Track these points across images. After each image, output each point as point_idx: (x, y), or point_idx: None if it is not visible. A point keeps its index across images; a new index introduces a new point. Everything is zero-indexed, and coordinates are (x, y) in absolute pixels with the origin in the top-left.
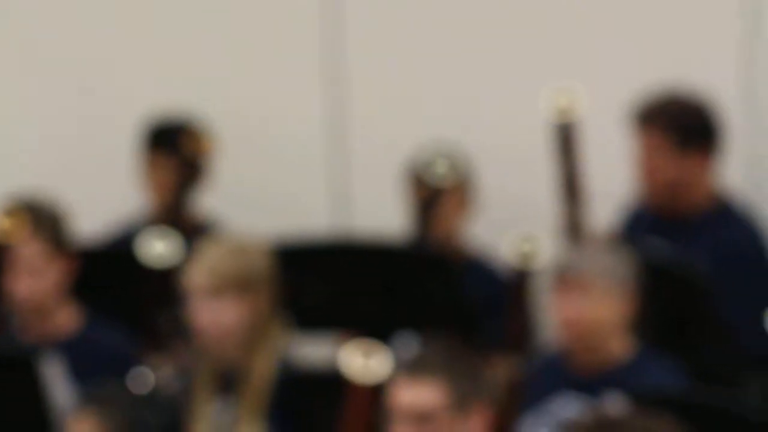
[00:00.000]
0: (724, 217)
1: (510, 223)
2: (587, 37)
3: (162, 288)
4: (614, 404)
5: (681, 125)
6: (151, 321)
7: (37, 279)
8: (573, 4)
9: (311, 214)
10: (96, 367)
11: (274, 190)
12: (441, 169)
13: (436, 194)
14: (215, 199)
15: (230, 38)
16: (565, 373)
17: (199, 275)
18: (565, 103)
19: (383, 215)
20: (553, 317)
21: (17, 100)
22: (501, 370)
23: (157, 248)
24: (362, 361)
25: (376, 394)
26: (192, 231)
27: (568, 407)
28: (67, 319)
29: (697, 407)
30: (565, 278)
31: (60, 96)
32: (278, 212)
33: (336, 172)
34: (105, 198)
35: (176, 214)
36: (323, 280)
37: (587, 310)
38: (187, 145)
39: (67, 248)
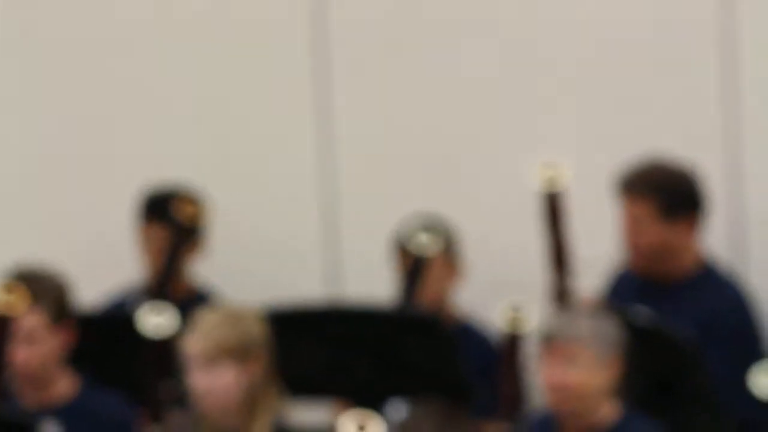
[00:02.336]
0: (709, 283)
1: (500, 290)
2: (572, 109)
3: (158, 358)
4: None
5: (666, 193)
6: (147, 390)
7: (36, 348)
8: (558, 77)
9: (303, 290)
10: None
11: (266, 267)
12: (424, 238)
13: (420, 263)
14: (208, 270)
15: (227, 118)
16: None
17: (195, 344)
18: (551, 175)
19: (374, 291)
20: (540, 382)
21: (15, 173)
22: None
23: (153, 318)
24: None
25: None
26: (187, 300)
27: None
28: (64, 386)
29: None
30: (552, 344)
31: (57, 169)
32: (269, 288)
33: (327, 248)
34: (103, 269)
35: (171, 283)
36: (315, 346)
37: (573, 375)
38: (180, 215)
39: (67, 319)
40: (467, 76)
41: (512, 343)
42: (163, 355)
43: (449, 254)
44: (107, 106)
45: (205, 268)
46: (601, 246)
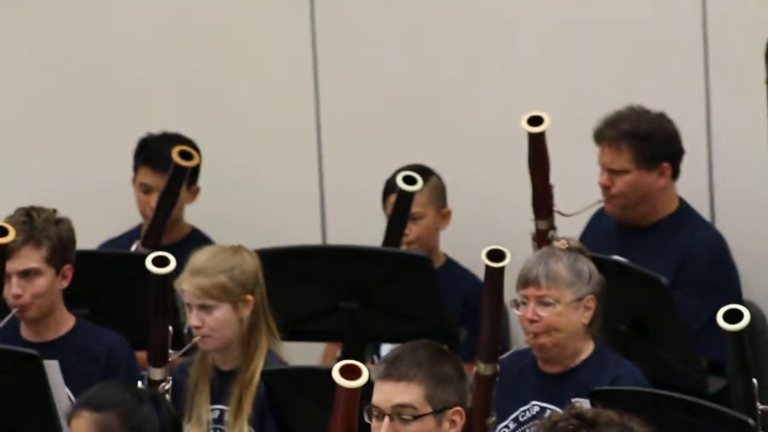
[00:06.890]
0: (684, 223)
1: (483, 232)
2: (554, 60)
3: (156, 298)
4: (584, 404)
5: (643, 141)
6: (146, 330)
7: (35, 286)
8: (541, 28)
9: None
10: (90, 370)
11: (261, 213)
12: (411, 177)
13: (404, 199)
14: (202, 216)
15: (224, 66)
16: (532, 373)
17: (189, 284)
18: (535, 122)
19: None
20: (519, 321)
21: (22, 120)
22: (475, 372)
23: (151, 260)
24: (348, 367)
25: (361, 397)
26: (183, 241)
27: (535, 406)
28: (62, 324)
29: (660, 404)
30: (531, 283)
31: (59, 115)
32: (264, 235)
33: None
34: (102, 212)
35: (168, 226)
36: (304, 286)
37: (551, 314)
38: (175, 160)
39: (66, 258)
40: (454, 24)
41: (494, 284)
42: (161, 296)
43: (435, 195)
44: (104, 49)
45: (199, 214)
46: (581, 192)
